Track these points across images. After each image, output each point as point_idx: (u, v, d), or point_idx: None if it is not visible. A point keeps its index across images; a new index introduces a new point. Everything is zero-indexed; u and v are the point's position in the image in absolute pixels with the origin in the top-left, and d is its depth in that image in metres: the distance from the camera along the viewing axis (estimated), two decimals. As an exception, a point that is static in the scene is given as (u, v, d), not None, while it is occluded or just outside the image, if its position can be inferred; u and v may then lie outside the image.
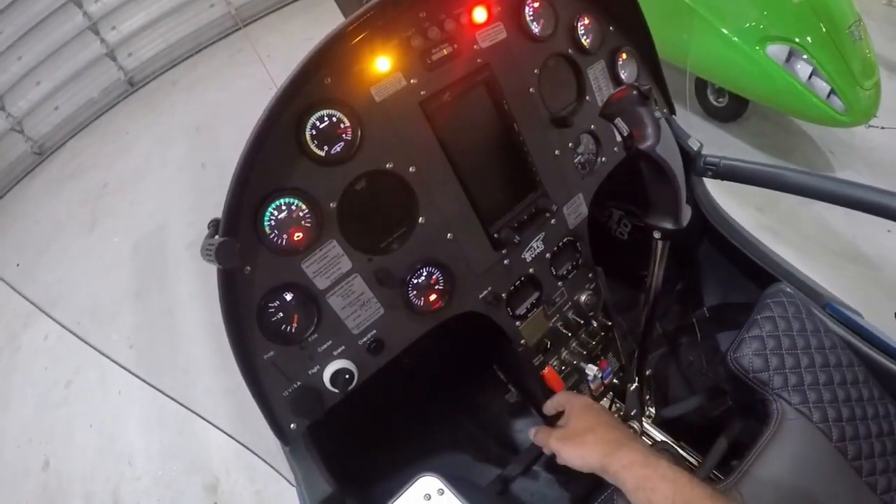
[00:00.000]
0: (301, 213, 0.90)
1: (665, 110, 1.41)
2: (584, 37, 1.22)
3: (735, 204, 2.62)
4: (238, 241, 0.82)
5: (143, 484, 2.50)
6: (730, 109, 3.32)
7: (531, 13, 1.12)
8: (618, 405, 1.40)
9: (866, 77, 2.76)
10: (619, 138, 1.07)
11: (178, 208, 4.08)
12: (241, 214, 0.86)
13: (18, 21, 5.86)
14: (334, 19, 5.87)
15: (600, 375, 1.31)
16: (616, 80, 1.29)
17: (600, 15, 1.26)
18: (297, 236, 0.90)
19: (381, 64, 0.94)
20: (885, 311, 1.30)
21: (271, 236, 0.89)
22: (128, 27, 6.57)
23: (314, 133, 0.90)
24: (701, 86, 3.39)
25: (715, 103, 3.35)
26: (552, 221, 1.21)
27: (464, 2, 1.03)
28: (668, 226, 1.02)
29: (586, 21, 1.22)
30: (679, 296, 1.65)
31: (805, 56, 2.70)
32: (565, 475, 1.48)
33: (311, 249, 0.93)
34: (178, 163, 4.67)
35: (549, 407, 1.12)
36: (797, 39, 2.71)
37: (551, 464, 1.47)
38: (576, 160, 1.24)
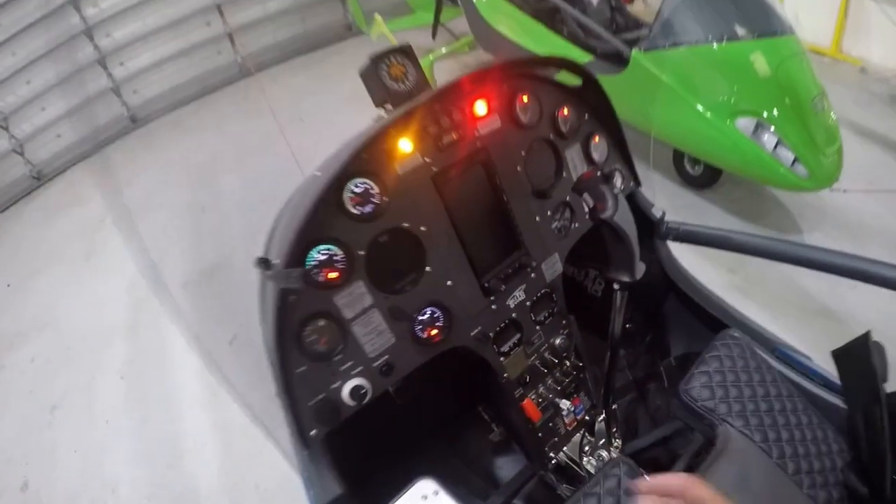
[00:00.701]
0: (337, 258, 1.16)
1: (632, 184, 1.69)
2: (563, 124, 1.50)
3: (709, 266, 2.81)
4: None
5: (126, 513, 2.59)
6: (705, 178, 3.58)
7: (520, 106, 1.42)
8: (588, 438, 1.63)
9: (828, 145, 3.00)
10: (586, 209, 1.30)
11: (177, 248, 4.21)
12: (294, 255, 1.12)
13: (31, 46, 6.10)
14: (335, 76, 6.21)
15: (573, 410, 1.58)
16: (589, 159, 1.57)
17: (577, 106, 1.55)
18: (332, 275, 1.16)
19: (405, 145, 1.24)
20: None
21: (313, 273, 1.14)
22: (135, 64, 6.84)
23: (351, 196, 1.17)
24: (678, 156, 3.66)
25: (691, 172, 3.62)
26: (532, 275, 1.48)
27: (468, 98, 1.33)
28: (626, 279, 1.30)
29: (565, 111, 1.51)
30: (648, 346, 1.88)
31: (771, 128, 2.93)
32: None
33: (342, 286, 1.18)
34: (178, 204, 4.82)
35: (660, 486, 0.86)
36: (764, 113, 2.95)
37: (530, 496, 1.67)
38: (553, 226, 1.51)
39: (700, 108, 3.10)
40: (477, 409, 1.85)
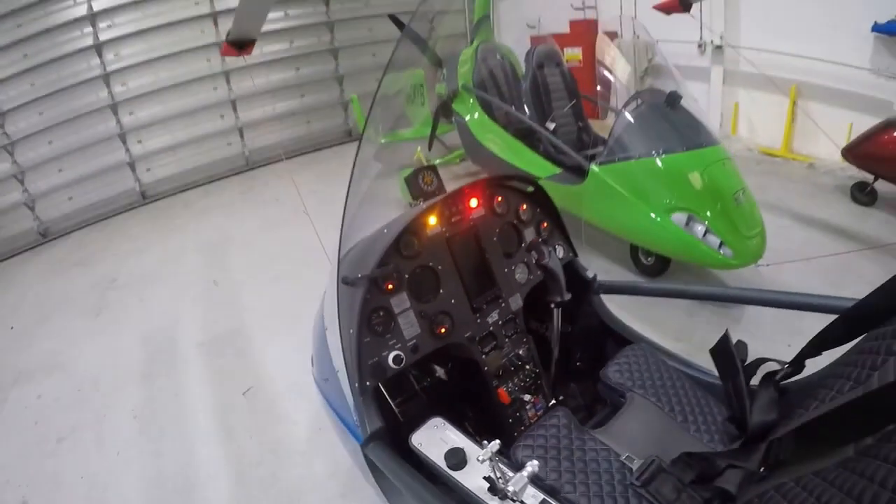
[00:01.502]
0: (393, 277, 1.91)
1: (570, 254, 2.44)
2: (523, 215, 2.33)
3: (658, 333, 3.01)
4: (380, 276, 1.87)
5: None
6: (657, 266, 4.06)
7: (497, 203, 2.26)
8: None
9: (749, 229, 3.53)
10: (534, 260, 2.28)
11: (190, 313, 4.47)
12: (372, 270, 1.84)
13: (59, 109, 6.68)
14: (336, 175, 6.84)
15: (535, 406, 2.21)
16: (539, 235, 2.36)
17: (532, 203, 2.37)
18: (390, 286, 1.90)
19: (432, 220, 2.06)
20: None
21: (380, 282, 1.88)
22: (152, 144, 7.45)
23: (402, 244, 1.96)
24: (634, 250, 4.18)
25: (645, 262, 4.12)
26: (502, 304, 2.19)
27: (467, 197, 2.17)
28: (558, 299, 2.23)
29: (524, 206, 2.33)
30: (594, 379, 2.31)
31: (700, 220, 3.50)
32: None
33: (394, 293, 1.91)
34: (189, 275, 5.13)
35: None
36: (693, 208, 3.55)
37: None
38: (516, 276, 2.25)
39: (645, 208, 3.72)
40: (464, 425, 2.28)
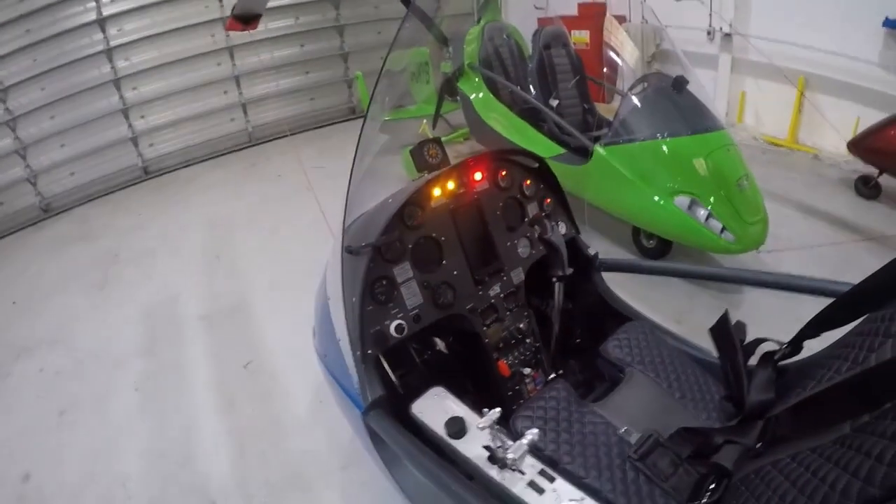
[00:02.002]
0: (397, 246, 1.93)
1: (572, 230, 2.44)
2: (527, 190, 2.34)
3: (659, 314, 2.85)
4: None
5: (136, 504, 2.74)
6: (658, 249, 4.07)
7: (501, 177, 2.27)
8: None
9: (751, 215, 3.53)
10: (536, 235, 2.30)
11: (193, 287, 4.49)
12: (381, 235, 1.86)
13: (61, 84, 6.64)
14: (339, 153, 6.81)
15: (534, 381, 2.23)
16: (542, 210, 2.37)
17: (536, 178, 2.38)
18: (393, 255, 1.92)
19: (437, 191, 2.07)
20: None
21: (383, 252, 1.89)
22: (155, 120, 7.44)
23: (407, 215, 1.98)
24: (636, 232, 4.17)
25: (647, 245, 4.13)
26: (504, 278, 2.21)
27: (471, 170, 2.18)
28: (560, 273, 2.22)
29: (528, 182, 2.34)
30: (594, 355, 2.33)
31: (703, 204, 3.51)
32: None
33: (397, 263, 1.93)
34: (192, 250, 5.15)
35: None
36: (696, 192, 3.55)
37: None
38: (519, 250, 2.27)
39: (648, 190, 3.72)
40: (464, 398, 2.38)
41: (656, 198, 3.69)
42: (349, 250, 1.83)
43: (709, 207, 3.52)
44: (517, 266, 2.26)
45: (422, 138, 2.45)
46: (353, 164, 1.87)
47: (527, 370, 2.22)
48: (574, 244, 2.44)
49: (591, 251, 2.45)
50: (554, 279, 2.24)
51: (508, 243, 2.25)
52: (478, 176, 2.21)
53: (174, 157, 7.63)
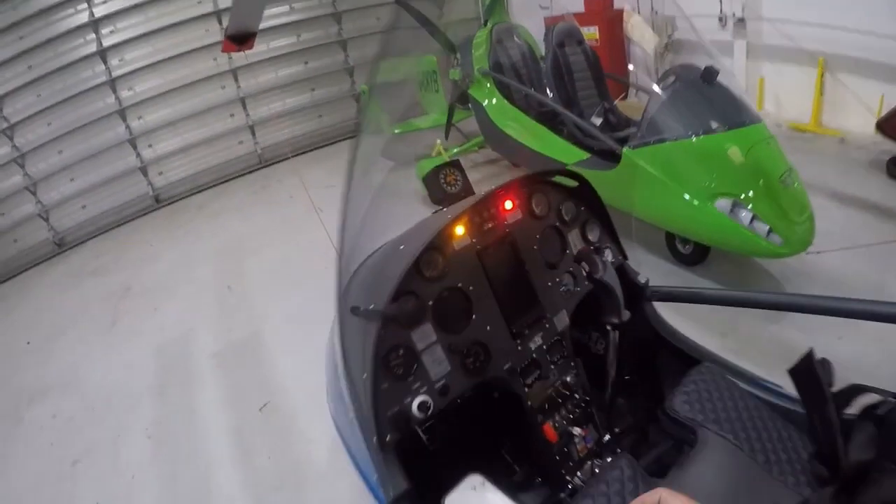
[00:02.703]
0: (414, 304, 1.57)
1: (619, 257, 2.11)
2: (566, 215, 2.01)
3: (703, 332, 2.77)
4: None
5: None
6: (695, 255, 3.82)
7: (535, 203, 1.93)
8: (598, 462, 1.92)
9: (798, 214, 3.24)
10: (584, 273, 1.89)
11: (204, 321, 4.35)
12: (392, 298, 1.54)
13: (67, 118, 6.62)
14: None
15: (584, 438, 1.90)
16: (585, 239, 2.04)
17: (576, 200, 2.05)
18: (411, 318, 1.57)
19: (459, 230, 1.73)
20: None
21: (400, 318, 1.56)
22: (163, 148, 7.38)
23: (424, 263, 1.63)
24: (670, 237, 3.90)
25: (683, 251, 3.87)
26: (546, 325, 1.87)
27: (500, 199, 1.85)
28: (615, 320, 1.85)
29: (567, 205, 2.01)
30: (645, 394, 2.17)
31: (746, 206, 3.21)
32: None
33: (416, 325, 1.59)
34: (202, 281, 5.03)
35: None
36: (739, 194, 3.24)
37: None
38: (561, 289, 1.93)
39: (684, 194, 3.43)
40: (500, 453, 2.08)
41: (695, 202, 3.40)
42: (355, 312, 1.55)
43: (753, 209, 3.24)
44: (560, 309, 1.92)
45: (436, 159, 2.12)
46: (347, 196, 1.55)
47: (576, 430, 1.91)
48: (621, 270, 2.12)
49: (641, 278, 2.14)
50: (608, 327, 1.89)
51: (549, 283, 1.91)
52: (508, 205, 1.88)
53: (184, 184, 7.56)
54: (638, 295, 2.11)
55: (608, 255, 2.04)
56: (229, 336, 4.15)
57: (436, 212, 1.93)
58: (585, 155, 4.24)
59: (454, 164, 1.92)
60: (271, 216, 6.18)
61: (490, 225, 1.82)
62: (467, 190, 1.96)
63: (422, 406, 1.52)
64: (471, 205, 1.77)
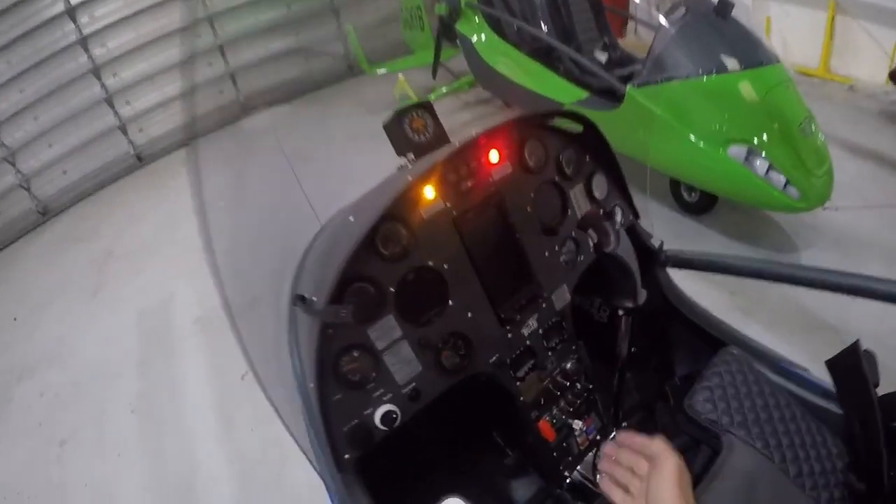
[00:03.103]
0: (370, 294, 1.27)
1: (631, 217, 1.75)
2: (567, 167, 1.61)
3: (711, 290, 2.77)
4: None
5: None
6: (702, 204, 3.65)
7: (528, 153, 1.53)
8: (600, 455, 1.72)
9: (818, 166, 3.06)
10: (591, 244, 1.52)
11: (187, 285, 4.22)
12: (334, 294, 1.22)
13: (40, 83, 6.26)
14: (339, 116, 6.32)
15: (585, 430, 1.65)
16: (591, 196, 1.65)
17: (579, 149, 1.65)
18: (366, 311, 1.26)
19: (429, 193, 1.34)
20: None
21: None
22: (141, 104, 7.04)
23: (382, 238, 1.28)
24: (675, 184, 3.72)
25: (688, 199, 3.69)
26: (543, 305, 1.55)
27: (483, 148, 1.44)
28: (629, 305, 1.52)
29: (568, 155, 1.62)
30: (654, 368, 1.93)
31: (762, 154, 3.00)
32: None
33: (374, 320, 1.27)
34: (186, 242, 4.76)
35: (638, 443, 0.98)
36: (754, 140, 3.02)
37: None
38: (561, 259, 1.59)
39: (694, 138, 3.18)
40: (491, 435, 1.89)
41: (705, 147, 3.15)
42: (297, 303, 1.24)
43: (770, 158, 3.00)
44: (559, 284, 1.59)
45: (402, 100, 1.65)
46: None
47: (577, 423, 1.64)
48: (633, 233, 1.77)
49: (655, 241, 1.80)
50: (621, 312, 1.57)
51: (546, 253, 1.56)
52: (494, 157, 1.47)
53: (166, 139, 7.21)
54: (650, 260, 1.80)
55: (618, 217, 1.69)
56: (211, 299, 3.93)
57: (401, 167, 1.51)
58: (584, 94, 3.93)
59: (423, 107, 1.41)
60: (256, 168, 5.81)
61: (470, 183, 1.43)
62: (439, 138, 1.49)
63: (386, 417, 1.26)
64: (444, 157, 1.34)
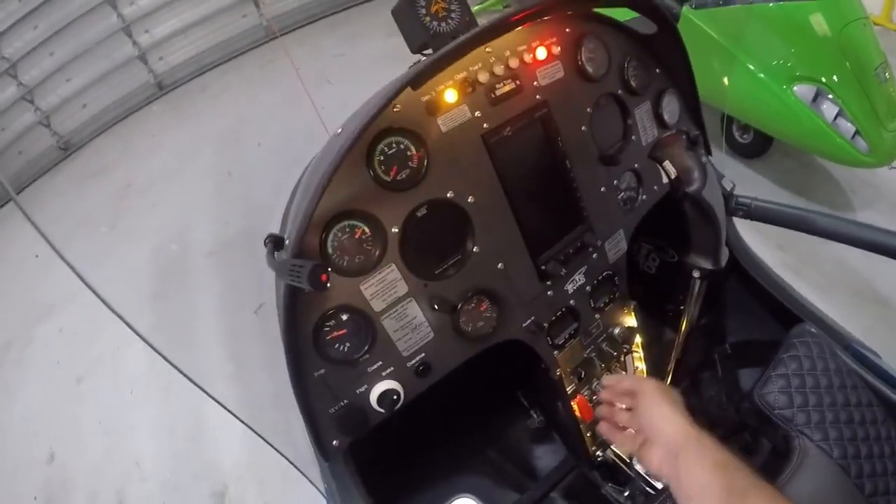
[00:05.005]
0: (364, 236, 0.93)
1: (701, 151, 1.38)
2: (633, 78, 1.24)
3: (757, 240, 2.56)
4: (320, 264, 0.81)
5: (150, 486, 2.49)
6: (754, 146, 3.32)
7: (587, 54, 1.15)
8: None
9: (891, 119, 2.74)
10: (665, 180, 1.15)
11: (202, 215, 4.12)
12: (308, 234, 0.87)
13: (53, 17, 6.03)
14: (364, 36, 5.96)
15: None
16: (659, 120, 1.30)
17: (648, 57, 1.29)
18: (359, 258, 0.93)
19: (450, 95, 0.98)
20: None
21: (334, 257, 0.91)
22: (160, 32, 6.76)
23: (382, 159, 0.93)
24: (727, 121, 3.38)
25: (740, 140, 3.35)
26: (594, 256, 1.23)
27: (527, 40, 1.07)
28: (708, 266, 1.19)
29: (635, 63, 1.25)
30: (703, 331, 1.62)
31: (831, 96, 2.69)
32: (583, 502, 1.49)
33: (370, 272, 0.94)
34: (203, 169, 4.72)
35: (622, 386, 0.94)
36: (824, 79, 2.70)
37: (569, 491, 1.50)
38: (619, 197, 1.25)
39: (755, 71, 2.84)
40: (515, 394, 1.63)
41: (769, 82, 2.78)
42: (269, 244, 0.90)
43: (841, 102, 2.63)
44: (616, 229, 1.25)
45: None
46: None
47: None
48: None
49: (727, 184, 1.40)
50: (696, 273, 1.27)
51: (602, 188, 1.21)
52: (541, 53, 1.09)
53: (188, 66, 6.99)
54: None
55: (701, 147, 1.30)
56: (226, 231, 3.88)
57: (414, 65, 0.98)
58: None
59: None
60: (277, 93, 5.62)
61: (507, 87, 1.05)
62: (467, 24, 0.98)
63: (385, 397, 0.96)
64: (468, 48, 0.93)
